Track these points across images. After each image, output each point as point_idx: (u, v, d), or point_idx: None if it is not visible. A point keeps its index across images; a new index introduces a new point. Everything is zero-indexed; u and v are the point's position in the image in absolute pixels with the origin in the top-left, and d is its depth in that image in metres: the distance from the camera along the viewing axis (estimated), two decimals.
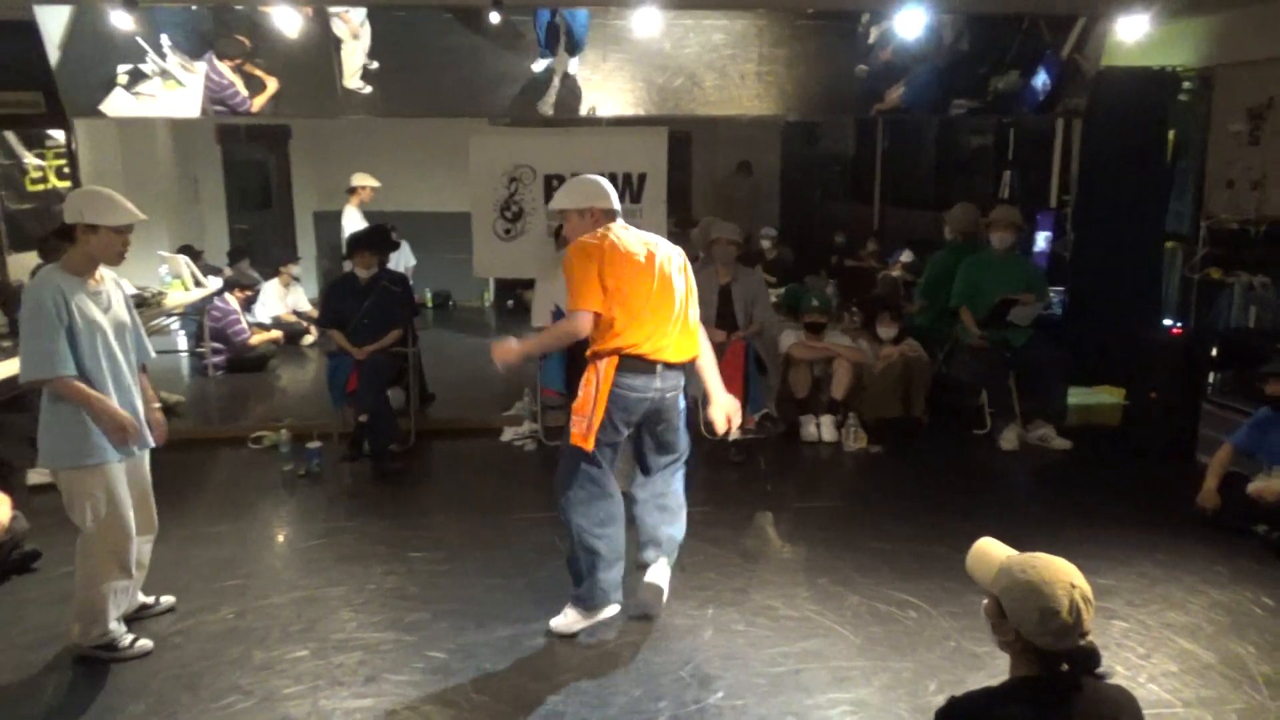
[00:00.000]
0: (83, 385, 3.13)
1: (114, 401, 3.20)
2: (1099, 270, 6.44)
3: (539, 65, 5.79)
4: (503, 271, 6.95)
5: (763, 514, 4.67)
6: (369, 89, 5.70)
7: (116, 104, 5.54)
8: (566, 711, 3.00)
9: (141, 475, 3.44)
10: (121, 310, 3.34)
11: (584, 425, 3.34)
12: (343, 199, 8.06)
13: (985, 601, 1.93)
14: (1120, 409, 6.17)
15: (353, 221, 7.74)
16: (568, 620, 3.49)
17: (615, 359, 3.32)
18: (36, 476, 4.77)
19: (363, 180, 7.97)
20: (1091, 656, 1.81)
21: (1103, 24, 5.95)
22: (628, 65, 5.87)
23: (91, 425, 3.16)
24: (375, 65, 5.68)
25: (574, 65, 5.81)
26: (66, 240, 3.23)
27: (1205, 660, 3.32)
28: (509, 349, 3.42)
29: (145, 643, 3.37)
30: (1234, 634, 3.50)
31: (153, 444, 3.46)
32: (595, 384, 3.35)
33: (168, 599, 3.69)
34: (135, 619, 3.53)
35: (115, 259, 3.23)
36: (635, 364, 3.33)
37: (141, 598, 3.59)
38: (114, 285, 3.35)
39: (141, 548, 3.46)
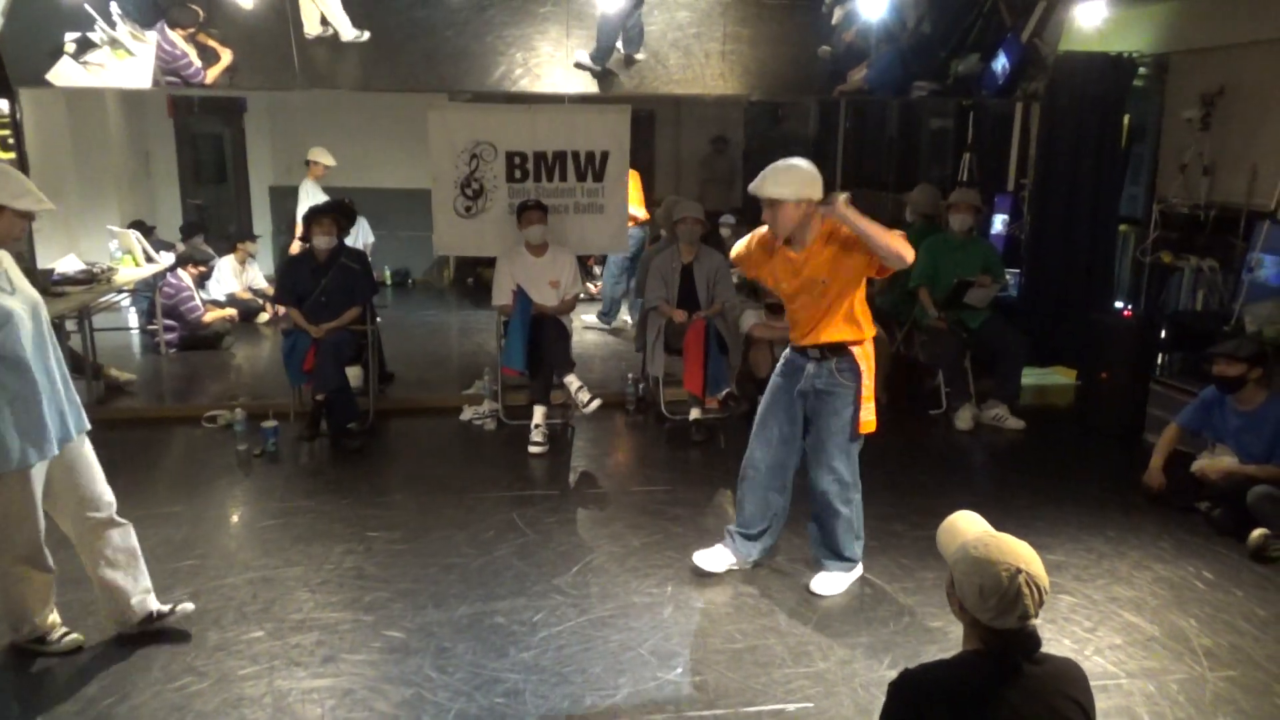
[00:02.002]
0: None
1: (44, 392, 2.94)
2: (1054, 253, 6.54)
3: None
4: (463, 250, 6.88)
5: (723, 493, 4.70)
6: (329, 31, 5.54)
7: (64, 73, 5.37)
8: (525, 689, 3.01)
9: (82, 460, 3.14)
10: (28, 287, 3.03)
11: (872, 410, 3.56)
12: (300, 173, 7.95)
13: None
14: (1073, 389, 6.30)
15: (311, 196, 7.62)
16: (845, 585, 3.72)
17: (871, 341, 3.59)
18: None
19: (317, 156, 7.85)
20: (1028, 641, 1.85)
21: (1062, 8, 6.01)
22: (592, 42, 5.81)
23: (5, 428, 2.87)
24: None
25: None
26: None
27: (1149, 633, 3.42)
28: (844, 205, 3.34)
29: (75, 638, 3.22)
30: (1177, 608, 3.60)
31: (88, 426, 3.18)
32: (872, 369, 3.55)
33: (185, 606, 3.35)
34: (149, 630, 3.27)
35: (10, 245, 3.01)
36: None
37: (153, 604, 3.29)
38: (10, 263, 3.03)
39: (113, 535, 3.19)
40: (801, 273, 3.49)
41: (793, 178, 3.36)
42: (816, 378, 3.55)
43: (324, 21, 5.50)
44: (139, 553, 3.28)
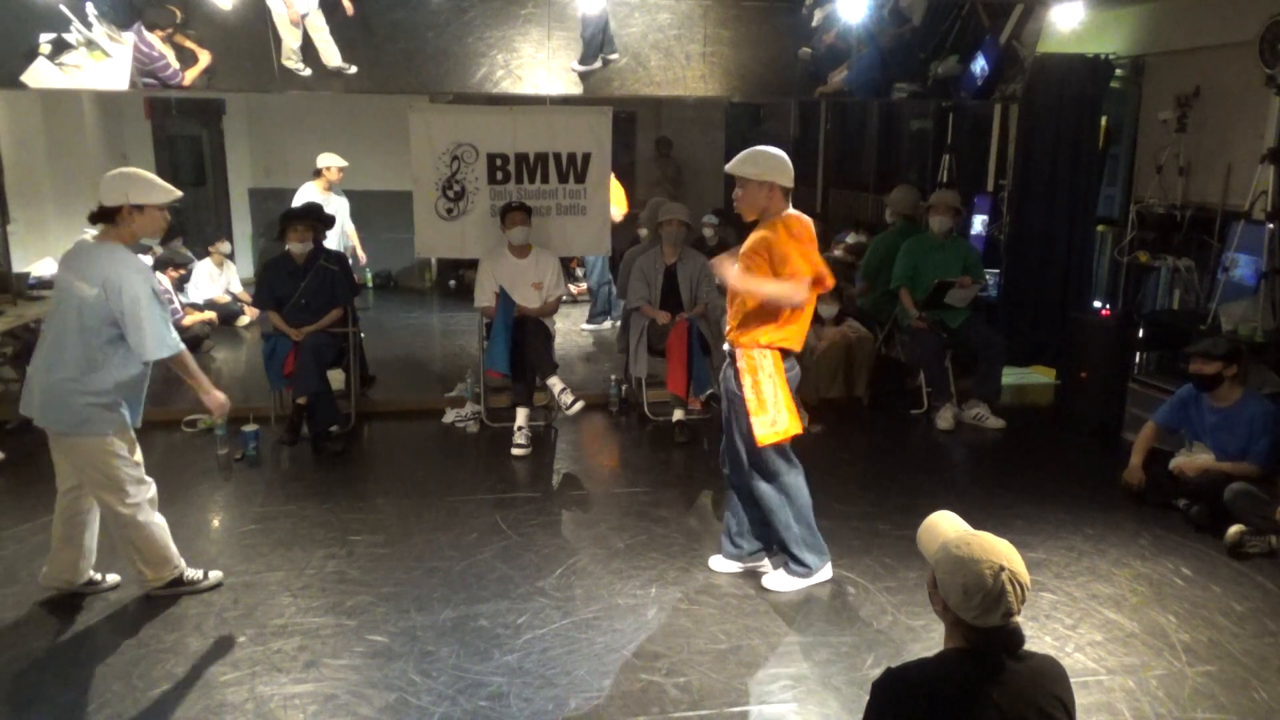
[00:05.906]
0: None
1: None
2: (1033, 253, 6.58)
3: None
4: (445, 251, 6.85)
5: (706, 494, 4.70)
6: (308, 71, 5.55)
7: (39, 75, 5.31)
8: (510, 692, 3.00)
9: None
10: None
11: (770, 422, 3.47)
12: (277, 175, 7.85)
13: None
14: (1052, 388, 6.34)
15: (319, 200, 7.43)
16: (794, 584, 3.69)
17: (778, 353, 3.50)
18: None
19: (327, 161, 7.49)
20: (1012, 638, 1.86)
21: (1039, 11, 6.07)
22: (573, 44, 5.82)
23: (134, 394, 3.40)
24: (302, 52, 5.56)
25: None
26: (106, 222, 3.35)
27: (1129, 629, 3.45)
28: (727, 269, 3.48)
29: (216, 574, 3.67)
30: (1156, 604, 3.64)
31: None
32: (772, 381, 3.47)
33: (113, 577, 3.68)
34: (82, 593, 3.58)
35: (158, 234, 3.52)
36: (790, 354, 3.57)
37: (91, 574, 3.62)
38: None
39: (93, 522, 3.55)
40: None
41: (763, 159, 3.51)
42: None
43: (302, 59, 5.53)
44: None
